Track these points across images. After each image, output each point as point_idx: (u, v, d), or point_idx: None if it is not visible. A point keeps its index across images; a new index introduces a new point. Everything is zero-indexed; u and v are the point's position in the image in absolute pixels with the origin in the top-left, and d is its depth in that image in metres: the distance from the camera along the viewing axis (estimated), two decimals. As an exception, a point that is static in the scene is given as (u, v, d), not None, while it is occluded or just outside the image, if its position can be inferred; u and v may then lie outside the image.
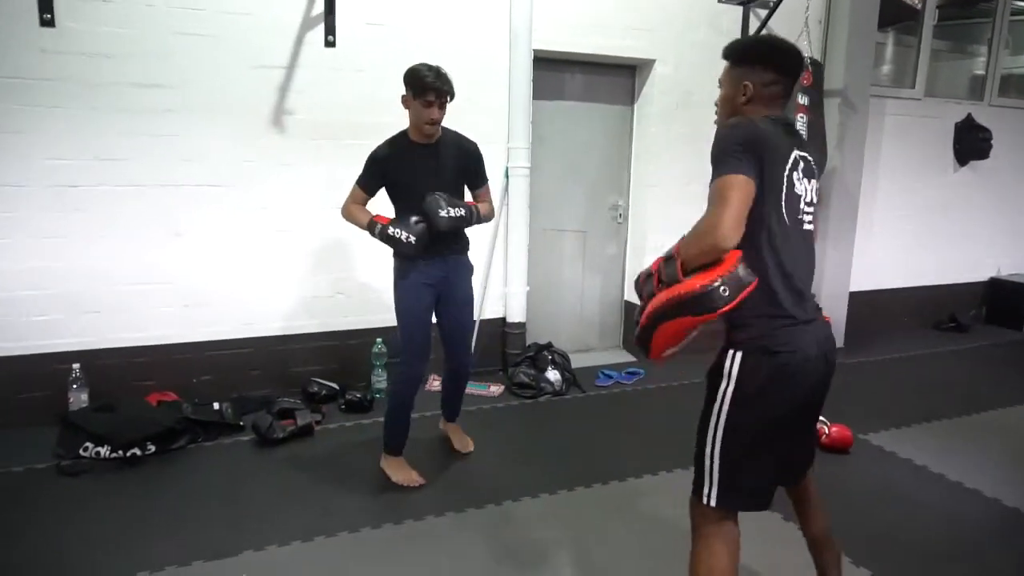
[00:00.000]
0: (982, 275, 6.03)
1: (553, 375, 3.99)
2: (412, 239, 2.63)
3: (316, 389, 3.69)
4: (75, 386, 3.32)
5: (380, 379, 3.81)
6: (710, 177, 1.58)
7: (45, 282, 3.33)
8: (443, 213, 2.63)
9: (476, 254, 4.10)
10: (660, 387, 4.16)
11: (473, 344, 2.90)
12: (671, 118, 4.47)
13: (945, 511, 2.81)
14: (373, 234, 2.70)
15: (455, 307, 2.90)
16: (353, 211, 2.81)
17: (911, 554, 2.50)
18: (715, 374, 1.75)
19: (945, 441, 3.47)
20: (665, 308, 1.59)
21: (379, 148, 2.79)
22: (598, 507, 2.76)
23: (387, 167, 2.75)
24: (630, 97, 4.60)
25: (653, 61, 4.37)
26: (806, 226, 1.70)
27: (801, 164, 1.68)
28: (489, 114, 3.99)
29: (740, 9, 4.52)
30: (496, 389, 4.00)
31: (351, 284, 3.87)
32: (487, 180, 2.93)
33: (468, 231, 2.88)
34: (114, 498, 2.74)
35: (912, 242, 5.63)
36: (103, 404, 3.31)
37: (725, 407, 1.70)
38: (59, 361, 3.35)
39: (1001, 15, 5.61)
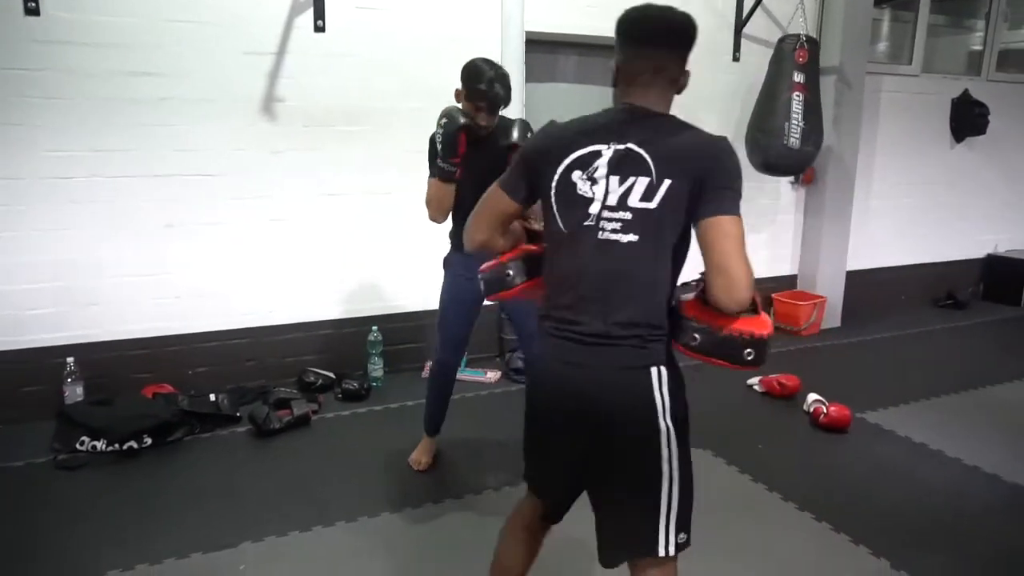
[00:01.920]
0: (979, 252, 6.00)
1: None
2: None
3: (312, 379, 3.68)
4: (70, 380, 3.31)
5: (376, 367, 3.79)
6: None
7: (39, 275, 3.30)
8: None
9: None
10: (658, 370, 4.15)
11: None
12: (665, 99, 4.41)
13: (944, 488, 2.81)
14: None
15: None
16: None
17: (910, 531, 2.50)
18: None
19: (944, 418, 3.48)
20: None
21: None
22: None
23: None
24: (624, 78, 4.54)
25: (646, 41, 4.32)
26: (604, 235, 1.40)
27: (605, 162, 1.41)
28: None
29: (734, -14, 4.47)
30: (493, 375, 3.98)
31: (346, 272, 3.85)
32: None
33: None
34: (111, 492, 2.74)
35: (909, 219, 5.60)
36: (99, 398, 3.29)
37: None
38: (54, 355, 3.33)
39: (998, -11, 5.55)
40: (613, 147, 1.42)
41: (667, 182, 1.37)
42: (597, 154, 1.43)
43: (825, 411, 3.31)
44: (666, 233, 1.40)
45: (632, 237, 1.39)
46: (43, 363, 3.32)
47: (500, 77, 2.46)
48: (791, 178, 4.92)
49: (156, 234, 3.47)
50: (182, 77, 3.36)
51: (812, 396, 3.50)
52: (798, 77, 4.27)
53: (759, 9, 4.48)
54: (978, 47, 5.72)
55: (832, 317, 5.08)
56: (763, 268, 5.04)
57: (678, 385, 1.46)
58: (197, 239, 3.54)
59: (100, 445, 3.00)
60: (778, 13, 4.65)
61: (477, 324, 4.13)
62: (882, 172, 5.37)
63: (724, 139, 1.42)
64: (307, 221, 3.74)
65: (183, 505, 2.63)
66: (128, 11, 3.23)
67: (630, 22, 1.49)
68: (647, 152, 1.39)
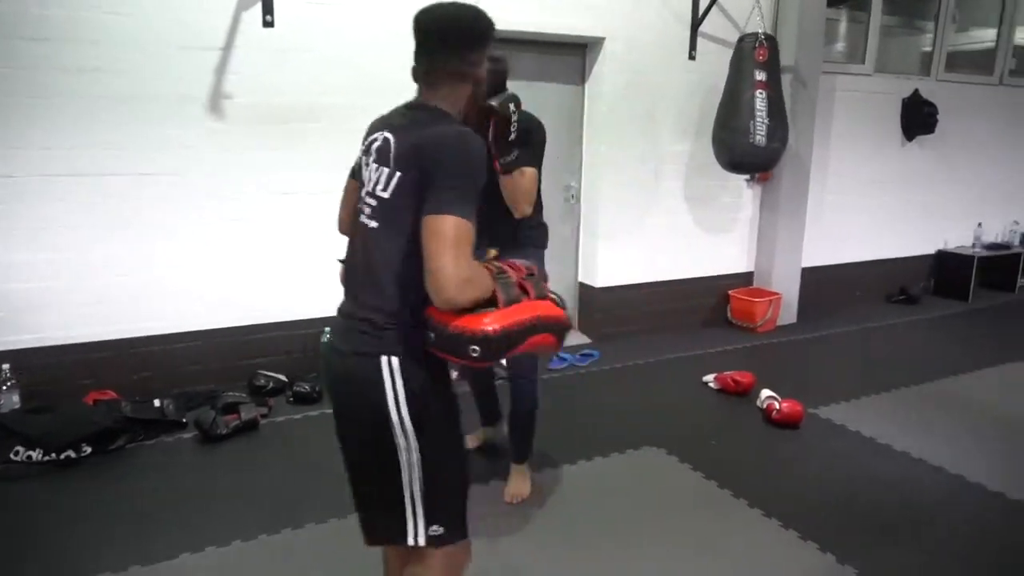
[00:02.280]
0: (930, 248, 6.15)
1: (504, 359, 3.93)
2: None
3: (263, 382, 3.59)
4: (5, 387, 3.17)
5: (331, 369, 3.72)
6: None
7: (-32, 279, 3.16)
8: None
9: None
10: (615, 368, 4.15)
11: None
12: (622, 97, 4.42)
13: (893, 481, 2.85)
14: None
15: None
16: None
17: (857, 525, 2.54)
18: None
19: (894, 412, 3.54)
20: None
21: None
22: (552, 488, 2.74)
23: None
24: (581, 76, 4.53)
25: (603, 39, 4.31)
26: (363, 219, 1.48)
27: (373, 149, 1.49)
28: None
29: (690, -15, 4.48)
30: (453, 374, 3.93)
31: (298, 273, 3.76)
32: None
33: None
34: (47, 503, 2.63)
35: (863, 216, 5.70)
36: (36, 406, 3.16)
37: None
38: (-13, 361, 3.20)
39: (947, -9, 5.67)
40: (381, 136, 1.49)
41: (398, 174, 1.41)
42: (373, 141, 1.51)
43: (778, 407, 3.34)
44: (401, 224, 1.41)
45: (374, 224, 1.46)
46: (-25, 370, 3.19)
47: None
48: (747, 176, 4.96)
49: (96, 235, 3.34)
50: (121, 73, 3.24)
51: (765, 392, 3.53)
52: (760, 75, 4.29)
53: (715, 8, 4.50)
54: (928, 48, 5.84)
55: (788, 313, 5.14)
56: (720, 265, 5.09)
57: (427, 378, 1.43)
58: (141, 240, 3.42)
59: (36, 455, 2.88)
60: (734, 12, 4.68)
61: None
62: (837, 169, 5.45)
63: (460, 135, 1.41)
64: (259, 221, 3.64)
65: (122, 516, 2.54)
66: (66, 4, 3.11)
67: (412, 23, 1.53)
68: (394, 143, 1.44)
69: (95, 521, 2.51)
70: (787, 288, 5.12)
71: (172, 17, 3.29)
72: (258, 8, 3.43)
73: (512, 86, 4.60)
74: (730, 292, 5.09)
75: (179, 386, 3.51)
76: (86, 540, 2.39)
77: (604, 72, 4.37)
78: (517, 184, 2.34)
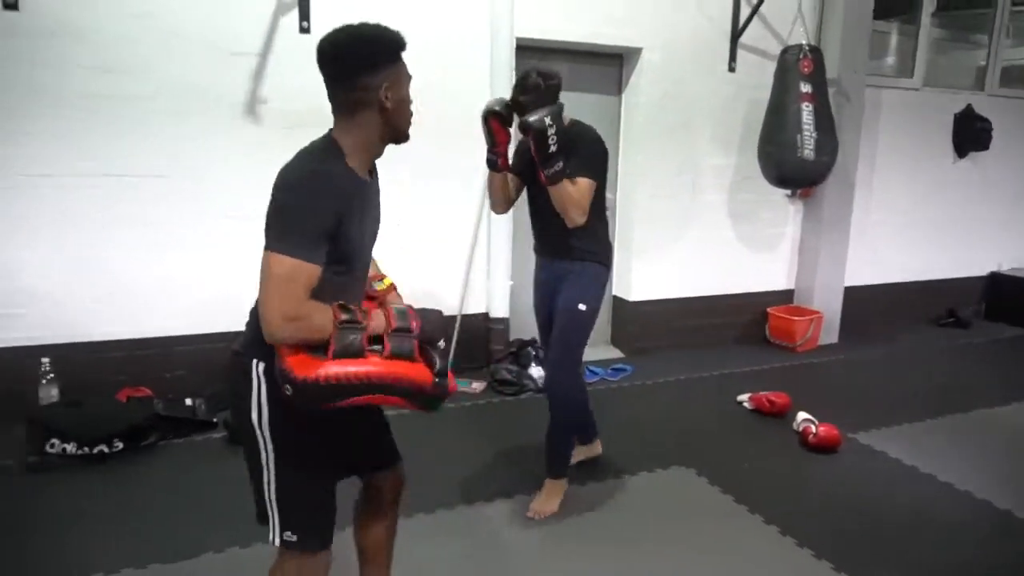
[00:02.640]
0: (982, 269, 5.90)
1: (536, 372, 3.90)
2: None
3: (292, 385, 3.61)
4: (44, 381, 3.25)
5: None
6: None
7: (14, 274, 3.25)
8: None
9: (457, 247, 4.05)
10: (647, 384, 4.07)
11: (563, 355, 2.61)
12: (659, 108, 4.36)
13: (933, 513, 2.71)
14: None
15: (555, 313, 2.66)
16: None
17: (895, 560, 2.41)
18: None
19: (938, 440, 3.38)
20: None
21: None
22: (575, 507, 2.67)
23: None
24: (617, 86, 4.49)
25: (640, 49, 4.27)
26: None
27: None
28: (471, 103, 3.88)
29: (731, -6, 4.42)
30: (478, 386, 3.91)
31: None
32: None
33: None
34: (78, 496, 2.68)
35: (910, 235, 5.51)
36: (72, 400, 3.24)
37: None
38: (29, 355, 3.28)
39: (1002, 4, 5.47)
40: None
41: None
42: None
43: (814, 431, 3.22)
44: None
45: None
46: (18, 363, 3.27)
47: (534, 68, 2.45)
48: (787, 191, 4.84)
49: (134, 235, 3.42)
50: (157, 75, 3.32)
51: (802, 415, 3.41)
52: (805, 87, 4.19)
53: (756, 19, 4.42)
54: (982, 62, 5.64)
55: (829, 333, 4.99)
56: (758, 281, 4.97)
57: (290, 404, 1.37)
58: (176, 241, 3.49)
59: (70, 448, 2.94)
60: (776, 23, 4.59)
61: (465, 334, 4.11)
62: (883, 186, 5.29)
63: (289, 169, 1.45)
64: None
65: (147, 512, 2.57)
66: (104, 5, 3.19)
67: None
68: None
69: (123, 515, 2.54)
70: (829, 307, 4.97)
71: (213, 24, 3.36)
72: (295, 14, 3.49)
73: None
74: (768, 310, 4.96)
75: (211, 386, 3.55)
76: (113, 533, 2.42)
77: (641, 83, 4.33)
78: (562, 193, 2.37)
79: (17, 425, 3.11)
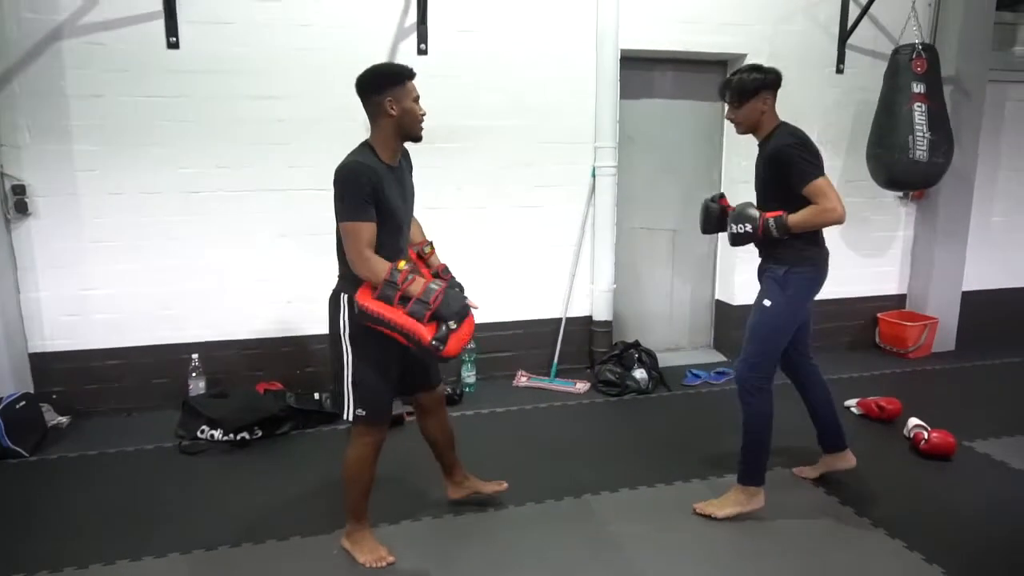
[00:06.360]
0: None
1: (639, 373, 3.99)
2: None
3: (408, 382, 3.86)
4: (194, 374, 3.66)
5: (469, 373, 3.95)
6: None
7: (170, 279, 3.68)
8: (732, 229, 2.69)
9: (562, 253, 4.19)
10: (750, 388, 4.05)
11: (747, 355, 2.78)
12: (764, 112, 4.34)
13: (1059, 527, 2.61)
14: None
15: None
16: None
17: (1012, 570, 2.35)
18: None
19: (1066, 452, 3.21)
20: None
21: None
22: (677, 504, 2.76)
23: None
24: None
25: (744, 56, 4.27)
26: None
27: None
28: (576, 115, 4.03)
29: (839, -4, 4.35)
30: (582, 386, 4.04)
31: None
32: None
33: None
34: (224, 476, 3.02)
35: (1036, 239, 5.19)
36: (218, 391, 3.62)
37: None
38: (182, 352, 3.70)
39: None
40: None
41: None
42: None
43: (926, 437, 3.15)
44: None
45: None
46: (172, 358, 3.70)
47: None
48: (899, 192, 4.69)
49: (271, 243, 3.78)
50: (298, 99, 3.67)
51: (913, 420, 3.33)
52: (918, 87, 4.08)
53: (865, 18, 4.33)
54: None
55: (945, 340, 4.79)
56: (868, 286, 4.83)
57: (363, 320, 2.08)
58: (307, 248, 3.82)
59: (217, 434, 3.30)
60: (887, 22, 4.47)
61: (569, 336, 4.25)
62: (1006, 187, 5.02)
63: (340, 166, 2.14)
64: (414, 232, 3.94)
65: (285, 493, 2.86)
66: (256, 41, 3.58)
67: None
68: None
69: (263, 494, 2.84)
70: (944, 312, 4.77)
71: (341, 49, 3.66)
72: (413, 38, 3.75)
73: (650, 104, 4.68)
74: (879, 315, 4.82)
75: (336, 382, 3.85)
76: (257, 508, 2.72)
77: (745, 88, 4.31)
78: (810, 222, 2.59)
79: (172, 412, 3.52)
